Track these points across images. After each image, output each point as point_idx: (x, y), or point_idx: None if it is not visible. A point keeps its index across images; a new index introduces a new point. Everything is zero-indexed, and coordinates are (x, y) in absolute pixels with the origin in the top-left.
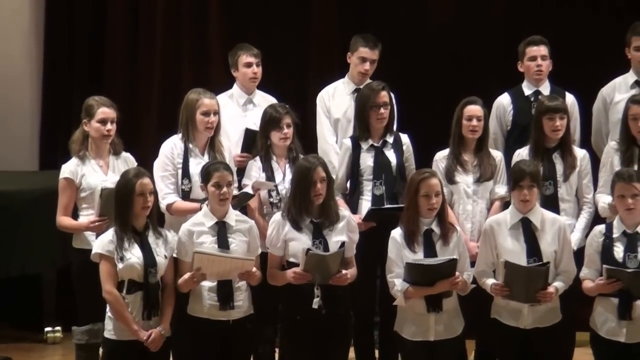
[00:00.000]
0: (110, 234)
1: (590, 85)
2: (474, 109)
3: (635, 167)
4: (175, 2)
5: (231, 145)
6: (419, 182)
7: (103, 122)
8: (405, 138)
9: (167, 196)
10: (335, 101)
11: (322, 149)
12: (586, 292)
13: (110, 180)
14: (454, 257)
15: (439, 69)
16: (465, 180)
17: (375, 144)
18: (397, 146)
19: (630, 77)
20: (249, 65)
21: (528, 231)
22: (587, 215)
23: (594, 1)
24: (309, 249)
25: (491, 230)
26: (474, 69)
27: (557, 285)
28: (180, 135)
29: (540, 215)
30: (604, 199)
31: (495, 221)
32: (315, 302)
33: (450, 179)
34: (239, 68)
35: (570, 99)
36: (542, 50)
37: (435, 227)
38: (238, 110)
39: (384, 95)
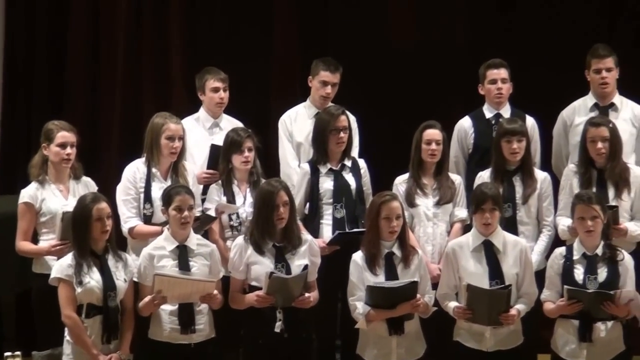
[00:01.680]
0: (69, 258)
1: (550, 108)
2: (433, 133)
3: (594, 189)
4: (136, 25)
5: (196, 168)
6: (380, 205)
7: (62, 146)
8: (362, 162)
9: (129, 220)
10: (298, 125)
11: (285, 172)
12: (547, 314)
13: (71, 204)
14: (415, 279)
15: (399, 93)
16: (425, 203)
17: (334, 168)
18: (355, 170)
19: (589, 99)
20: (216, 90)
21: (490, 254)
22: (546, 238)
23: (555, 24)
24: (272, 272)
25: (453, 253)
26: (435, 93)
27: (519, 307)
28: (143, 159)
29: (502, 237)
30: (564, 222)
31: (457, 244)
32: (278, 326)
33: (411, 202)
34: (206, 92)
35: (530, 121)
36: (503, 73)
37: (396, 250)
38: (204, 133)
39: (343, 120)
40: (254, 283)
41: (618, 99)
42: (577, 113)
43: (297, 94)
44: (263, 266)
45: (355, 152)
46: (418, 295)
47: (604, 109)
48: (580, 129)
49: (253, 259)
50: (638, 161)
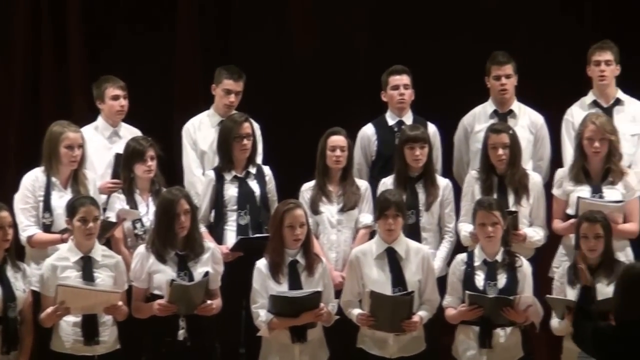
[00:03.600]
0: None
1: (451, 115)
2: (338, 140)
3: (495, 196)
4: (35, 32)
5: (96, 177)
6: (284, 213)
7: None
8: (267, 169)
9: (28, 228)
10: (202, 133)
11: (189, 181)
12: (449, 320)
13: None
14: (319, 289)
15: (303, 100)
16: (329, 210)
17: (239, 175)
18: (260, 177)
19: (489, 106)
20: (116, 97)
21: (393, 261)
22: (448, 245)
23: (456, 32)
24: (173, 280)
25: (357, 260)
26: (338, 100)
27: (422, 314)
28: (42, 168)
29: (405, 244)
30: (466, 228)
31: (360, 251)
32: (181, 334)
33: (315, 209)
34: (105, 100)
35: (432, 128)
36: (405, 79)
37: (300, 258)
38: (104, 142)
39: (246, 127)
40: (156, 292)
41: (516, 106)
42: (477, 120)
43: (199, 102)
44: (165, 274)
45: (259, 159)
46: (321, 305)
47: (503, 115)
48: (480, 136)
49: (155, 267)
50: (535, 167)
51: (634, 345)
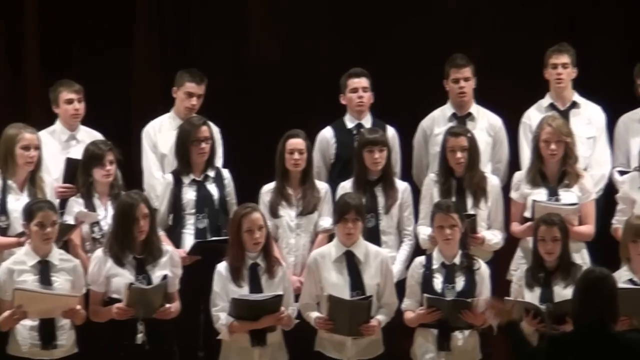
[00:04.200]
0: None
1: (409, 118)
2: (296, 142)
3: (454, 199)
4: None
5: (53, 182)
6: (242, 217)
7: None
8: (226, 173)
9: None
10: (162, 136)
11: (149, 184)
12: (407, 323)
13: None
14: (280, 293)
15: (262, 103)
16: (288, 213)
17: (197, 179)
18: (219, 180)
19: (447, 109)
20: (70, 101)
21: (351, 264)
22: (407, 248)
23: (415, 35)
24: (131, 284)
25: (315, 263)
26: (297, 102)
27: (380, 318)
28: None
29: (364, 248)
30: (424, 231)
31: (319, 254)
32: (139, 338)
33: (274, 212)
34: (59, 104)
35: (390, 131)
36: (364, 82)
37: (260, 261)
38: (60, 146)
39: (204, 130)
40: (114, 295)
41: (475, 109)
42: (436, 123)
43: (157, 105)
44: (123, 278)
45: (219, 162)
46: (282, 308)
47: (461, 118)
48: (439, 139)
49: (113, 271)
50: (493, 170)
51: (590, 349)
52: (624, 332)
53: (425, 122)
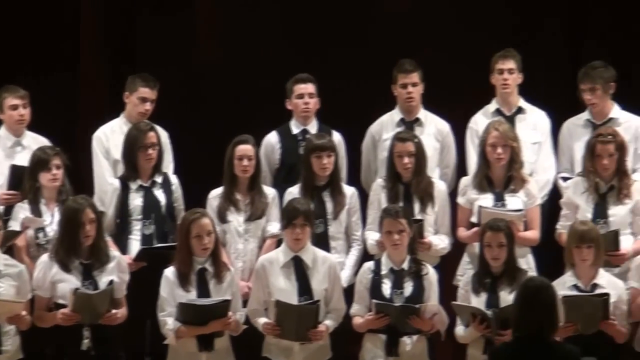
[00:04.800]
0: None
1: (356, 123)
2: (245, 149)
3: (401, 204)
4: None
5: None
6: (190, 223)
7: None
8: (174, 178)
9: None
10: (114, 141)
11: (101, 189)
12: (356, 329)
13: None
14: (227, 298)
15: (210, 108)
16: (237, 219)
17: (144, 184)
18: (166, 186)
19: (396, 114)
20: (14, 107)
21: (299, 270)
22: (356, 253)
23: (362, 40)
24: (77, 289)
25: (263, 269)
26: (244, 108)
27: (328, 323)
28: None
29: (312, 253)
30: (372, 236)
31: (267, 260)
32: (85, 344)
33: (223, 218)
34: (4, 110)
35: (336, 136)
36: (310, 88)
37: (209, 266)
38: (5, 152)
39: (151, 136)
40: (60, 301)
41: (423, 114)
42: (385, 128)
43: (104, 111)
44: (69, 284)
45: (170, 168)
46: (230, 313)
47: (409, 123)
48: (387, 144)
49: (59, 276)
50: (441, 175)
51: (527, 356)
52: (563, 343)
53: (373, 128)
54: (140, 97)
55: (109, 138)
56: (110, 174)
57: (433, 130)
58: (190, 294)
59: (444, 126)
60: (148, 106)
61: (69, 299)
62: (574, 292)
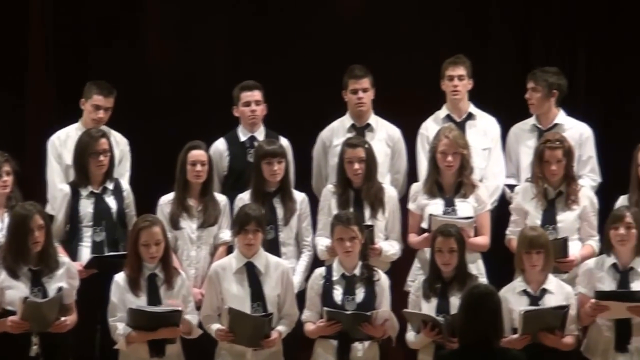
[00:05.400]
0: None
1: (305, 129)
2: (198, 154)
3: (351, 209)
4: None
5: None
6: (140, 230)
7: None
8: (125, 185)
9: None
10: (67, 147)
11: (53, 195)
12: (308, 335)
13: None
14: (179, 309)
15: (162, 114)
16: (189, 225)
17: (95, 191)
18: (117, 193)
19: (346, 120)
20: None
21: (252, 275)
22: (306, 258)
23: (312, 46)
24: (26, 297)
25: (216, 275)
26: (195, 114)
27: (280, 329)
28: None
29: (264, 259)
30: (323, 242)
31: (220, 266)
32: (33, 350)
33: (175, 224)
34: None
35: (284, 142)
36: (256, 95)
37: (159, 272)
38: None
39: (103, 143)
40: (9, 307)
41: (374, 120)
42: (335, 134)
43: (52, 117)
44: (18, 290)
45: (126, 177)
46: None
47: (360, 129)
48: (338, 150)
49: (7, 283)
50: (392, 181)
51: None
52: (509, 349)
53: (324, 134)
54: (94, 105)
55: (63, 143)
56: (61, 179)
57: (384, 135)
58: (140, 299)
59: (395, 132)
60: (102, 114)
61: (18, 307)
62: (534, 308)
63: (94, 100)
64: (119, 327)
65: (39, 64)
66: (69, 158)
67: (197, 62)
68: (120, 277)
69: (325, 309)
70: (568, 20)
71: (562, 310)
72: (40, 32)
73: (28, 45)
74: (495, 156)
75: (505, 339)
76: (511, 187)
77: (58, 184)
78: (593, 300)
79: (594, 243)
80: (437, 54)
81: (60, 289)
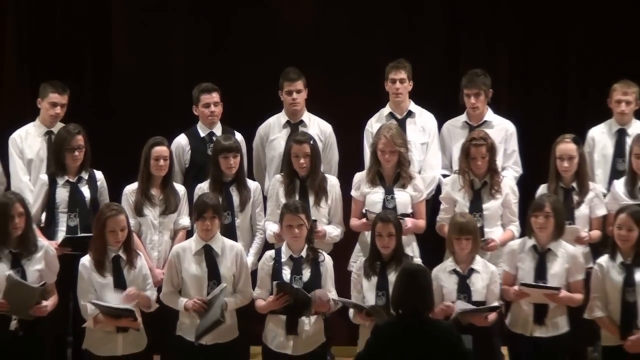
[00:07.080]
0: None
1: (250, 125)
2: (161, 150)
3: (297, 197)
4: None
5: None
6: (106, 219)
7: None
8: (99, 175)
9: None
10: (28, 143)
11: (17, 187)
12: (259, 310)
13: None
14: (131, 307)
15: (126, 111)
16: (152, 213)
17: (71, 180)
18: (92, 182)
19: (282, 117)
20: None
21: (210, 257)
22: (259, 241)
23: (260, 49)
24: (9, 274)
25: (177, 256)
26: (156, 111)
27: (229, 300)
28: None
29: (221, 242)
30: (271, 227)
31: (181, 247)
32: (13, 324)
33: (139, 211)
34: None
35: (239, 137)
36: (215, 97)
37: (122, 254)
38: None
39: (79, 139)
40: None
41: (307, 116)
42: (272, 129)
43: (26, 114)
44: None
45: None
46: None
47: (294, 125)
48: (275, 144)
49: None
50: (324, 170)
51: (408, 333)
52: (438, 320)
53: (262, 128)
54: (51, 102)
55: (24, 140)
56: (25, 173)
57: (316, 131)
58: (106, 278)
59: (326, 127)
60: (58, 110)
61: (1, 285)
62: (469, 306)
63: (50, 99)
64: (89, 308)
65: (12, 63)
66: (29, 153)
67: (158, 62)
68: (86, 260)
69: (275, 282)
70: (491, 22)
71: (495, 310)
72: (12, 28)
73: (5, 45)
74: (432, 150)
75: None
76: (446, 177)
77: (22, 177)
78: (517, 287)
79: (514, 228)
80: (380, 56)
81: (44, 284)
